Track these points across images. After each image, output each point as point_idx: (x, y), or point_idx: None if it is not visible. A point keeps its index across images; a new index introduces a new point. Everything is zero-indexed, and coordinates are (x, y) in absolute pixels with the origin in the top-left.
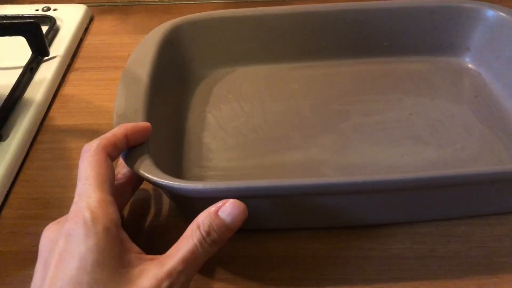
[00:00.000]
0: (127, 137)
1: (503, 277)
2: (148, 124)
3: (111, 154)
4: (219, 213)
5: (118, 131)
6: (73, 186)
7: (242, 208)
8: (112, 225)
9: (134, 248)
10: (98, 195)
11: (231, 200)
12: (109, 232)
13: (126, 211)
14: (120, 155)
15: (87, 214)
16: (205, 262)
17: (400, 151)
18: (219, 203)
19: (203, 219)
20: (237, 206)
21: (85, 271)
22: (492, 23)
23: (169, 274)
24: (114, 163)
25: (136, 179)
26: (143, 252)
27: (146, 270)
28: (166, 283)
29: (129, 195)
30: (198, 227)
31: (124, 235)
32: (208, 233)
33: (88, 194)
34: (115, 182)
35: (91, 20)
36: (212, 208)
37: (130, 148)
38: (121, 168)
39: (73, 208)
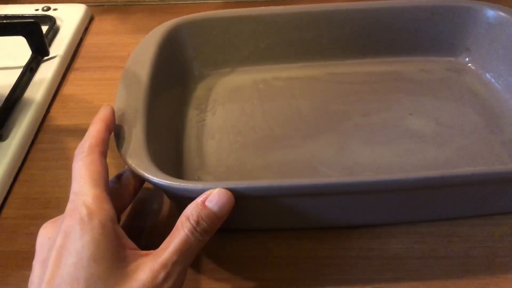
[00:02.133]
0: (108, 128)
1: (503, 277)
2: (107, 105)
3: (102, 151)
4: (206, 203)
5: (99, 126)
6: None
7: (228, 196)
8: (107, 220)
9: (130, 244)
10: (94, 192)
11: (217, 189)
12: (104, 227)
13: (126, 211)
14: (121, 156)
15: (83, 211)
16: (204, 262)
17: (400, 151)
18: (206, 193)
19: (191, 210)
20: (223, 195)
21: (81, 267)
22: (492, 22)
23: (164, 265)
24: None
25: (137, 180)
26: (138, 248)
27: (142, 264)
28: (162, 275)
29: (130, 196)
30: (187, 218)
31: (120, 231)
32: (198, 222)
33: (83, 191)
34: (117, 184)
35: (91, 20)
36: (199, 199)
37: (130, 149)
38: (124, 171)
39: (69, 206)
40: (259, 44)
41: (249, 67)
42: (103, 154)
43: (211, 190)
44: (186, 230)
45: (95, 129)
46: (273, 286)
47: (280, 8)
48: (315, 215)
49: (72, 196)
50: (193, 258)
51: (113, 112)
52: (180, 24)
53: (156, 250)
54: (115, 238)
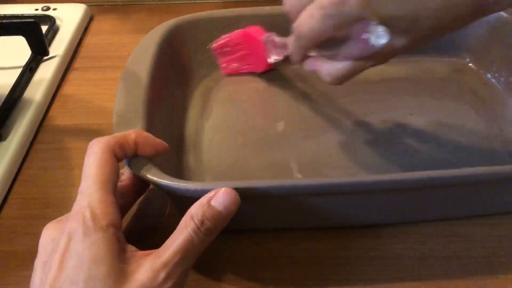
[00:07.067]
0: (136, 144)
1: (503, 277)
2: (165, 144)
3: (117, 154)
4: (212, 202)
5: (129, 135)
6: (73, 186)
7: (234, 195)
8: (110, 225)
9: (130, 248)
10: (100, 194)
11: (223, 189)
12: (107, 232)
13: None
14: None
15: (87, 213)
16: (205, 262)
17: (400, 151)
18: (211, 193)
19: (196, 209)
20: (228, 194)
21: (81, 269)
22: (493, 23)
23: (166, 265)
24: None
25: (139, 181)
26: (138, 250)
27: (142, 263)
28: (163, 274)
29: (132, 197)
30: (192, 218)
31: (122, 237)
32: (202, 222)
33: (90, 192)
34: (119, 184)
35: (90, 19)
36: (204, 199)
37: None
38: (125, 170)
39: (75, 207)
40: None
41: None
42: (116, 157)
43: (217, 190)
44: (189, 230)
45: (122, 133)
46: (273, 286)
47: (280, 7)
48: (315, 215)
49: (78, 195)
50: (195, 259)
51: (156, 145)
52: (180, 24)
53: (158, 249)
54: (116, 242)
